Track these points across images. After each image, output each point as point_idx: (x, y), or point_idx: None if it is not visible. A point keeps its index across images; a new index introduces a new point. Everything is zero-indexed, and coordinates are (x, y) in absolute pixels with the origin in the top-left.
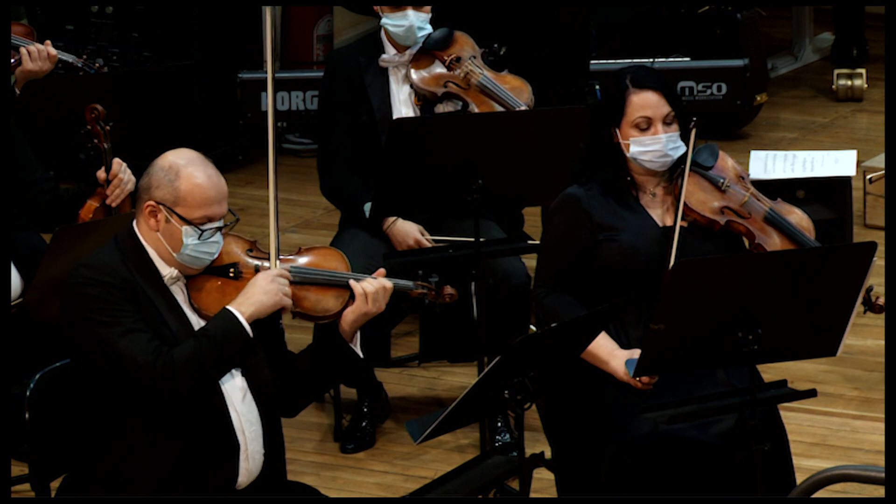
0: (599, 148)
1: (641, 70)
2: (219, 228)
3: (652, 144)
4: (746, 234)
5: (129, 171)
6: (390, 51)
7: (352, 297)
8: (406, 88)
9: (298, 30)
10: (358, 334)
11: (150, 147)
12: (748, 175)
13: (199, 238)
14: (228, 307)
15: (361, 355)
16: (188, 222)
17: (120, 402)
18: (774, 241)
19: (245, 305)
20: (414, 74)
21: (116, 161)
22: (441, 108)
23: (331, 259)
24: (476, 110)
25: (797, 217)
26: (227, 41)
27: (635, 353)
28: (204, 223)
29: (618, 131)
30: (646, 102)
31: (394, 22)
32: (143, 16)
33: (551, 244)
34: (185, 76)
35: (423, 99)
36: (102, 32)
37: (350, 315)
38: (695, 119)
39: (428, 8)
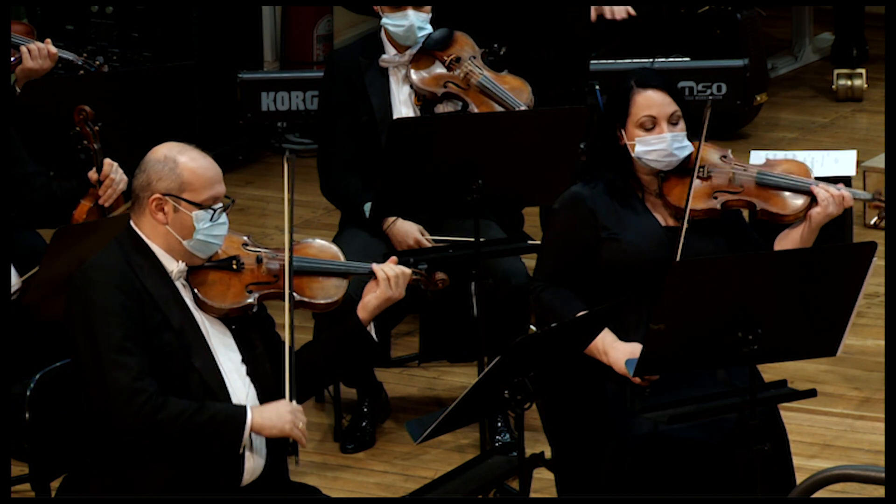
0: (604, 149)
1: (646, 71)
2: (225, 208)
3: (657, 144)
4: (747, 206)
5: (120, 170)
6: (390, 51)
7: (351, 286)
8: (406, 88)
9: (298, 30)
10: (372, 322)
11: (149, 147)
12: (728, 151)
13: (210, 219)
14: (249, 409)
15: (377, 339)
16: (198, 205)
17: None
18: (777, 201)
19: (259, 416)
20: (414, 74)
21: (107, 161)
22: (441, 108)
23: (325, 250)
24: (476, 110)
25: (787, 167)
26: (227, 41)
27: (636, 347)
28: (212, 203)
29: (623, 132)
30: (650, 101)
31: (394, 22)
32: (143, 16)
33: (553, 240)
34: (185, 76)
35: (423, 99)
36: (102, 32)
37: (374, 301)
38: (710, 99)
39: (428, 8)
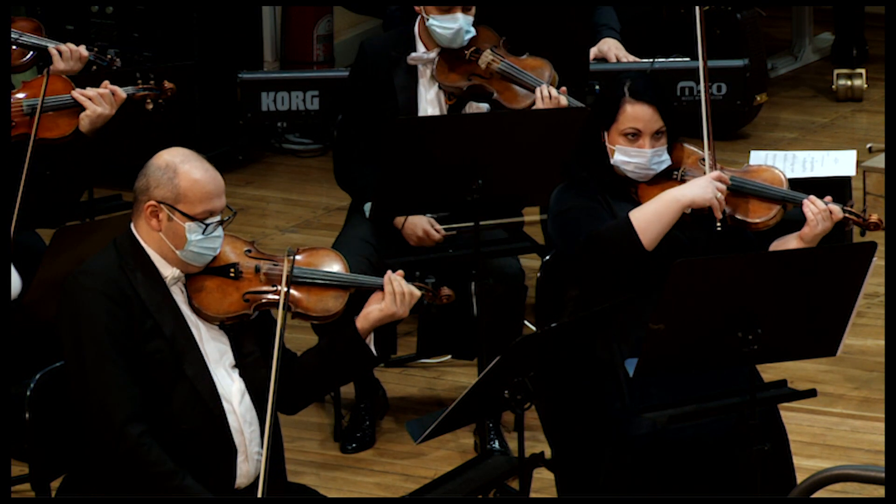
0: (587, 145)
1: (641, 80)
2: (220, 222)
3: (636, 157)
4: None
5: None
6: (420, 48)
7: (352, 297)
8: (433, 89)
9: (298, 30)
10: (372, 334)
11: (149, 147)
12: (705, 154)
13: (203, 233)
14: None
15: (376, 353)
16: (191, 218)
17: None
18: (746, 208)
19: None
20: (438, 73)
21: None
22: (470, 109)
23: (329, 260)
24: (500, 99)
25: (763, 175)
26: (227, 41)
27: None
28: (206, 218)
29: (606, 134)
30: (639, 115)
31: (443, 24)
32: (143, 16)
33: (577, 213)
34: (185, 76)
35: (454, 97)
36: (102, 32)
37: (376, 314)
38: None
39: (473, 9)
